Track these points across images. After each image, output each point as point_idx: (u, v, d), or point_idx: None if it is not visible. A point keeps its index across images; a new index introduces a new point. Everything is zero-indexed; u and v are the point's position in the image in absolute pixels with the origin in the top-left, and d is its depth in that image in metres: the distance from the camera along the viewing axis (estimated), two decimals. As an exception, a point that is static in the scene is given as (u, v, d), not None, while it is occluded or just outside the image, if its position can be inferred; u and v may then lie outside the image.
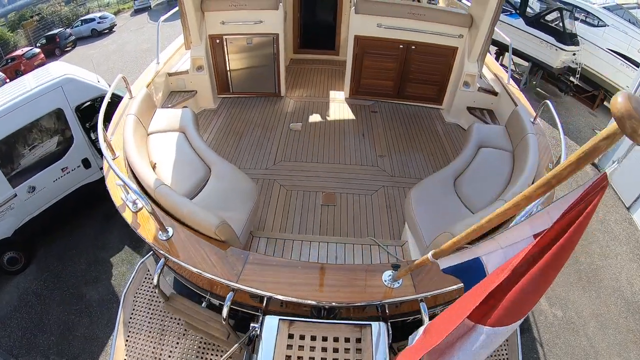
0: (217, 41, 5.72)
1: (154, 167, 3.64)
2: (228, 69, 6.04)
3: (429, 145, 5.66)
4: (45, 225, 7.41)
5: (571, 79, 14.00)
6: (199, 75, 5.74)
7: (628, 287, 8.27)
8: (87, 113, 7.16)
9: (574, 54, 13.34)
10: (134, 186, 2.95)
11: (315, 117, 6.01)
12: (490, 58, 6.50)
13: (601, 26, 13.49)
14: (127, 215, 3.16)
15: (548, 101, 4.27)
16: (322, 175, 4.83)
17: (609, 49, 13.18)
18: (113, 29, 27.33)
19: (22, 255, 7.21)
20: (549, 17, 13.63)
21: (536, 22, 13.69)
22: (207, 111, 6.01)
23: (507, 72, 5.98)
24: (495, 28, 5.37)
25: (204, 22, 5.56)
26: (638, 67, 12.00)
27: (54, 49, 24.45)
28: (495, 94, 5.87)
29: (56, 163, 6.99)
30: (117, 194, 3.29)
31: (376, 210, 4.42)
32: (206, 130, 5.55)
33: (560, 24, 13.04)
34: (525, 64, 14.57)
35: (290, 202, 4.42)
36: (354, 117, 6.09)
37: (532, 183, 3.73)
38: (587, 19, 14.02)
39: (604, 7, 13.69)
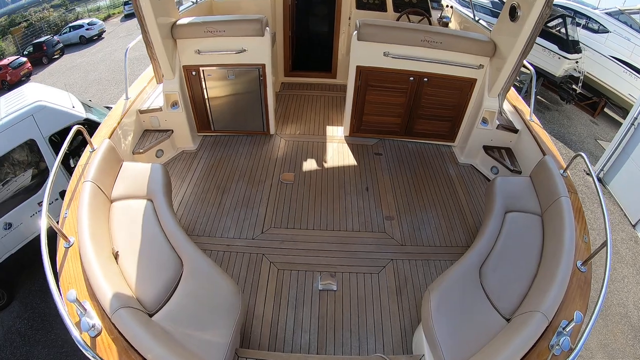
0: (193, 73, 4.96)
1: (116, 257, 3.10)
2: (208, 104, 5.27)
3: (441, 194, 4.93)
4: (25, 262, 6.99)
5: (574, 87, 13.63)
6: (174, 113, 4.99)
7: (635, 313, 7.92)
8: (64, 139, 6.69)
9: (577, 62, 12.98)
10: (89, 306, 2.46)
11: (310, 164, 5.19)
12: (511, 89, 5.58)
13: (603, 32, 13.13)
14: (85, 338, 2.44)
15: (583, 154, 3.65)
16: (319, 248, 4.09)
17: (611, 56, 12.83)
18: (102, 36, 26.84)
19: (4, 292, 6.85)
20: (550, 24, 13.24)
21: (538, 29, 13.31)
22: (186, 154, 5.22)
23: (529, 106, 5.27)
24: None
25: (177, 52, 4.83)
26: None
27: (41, 57, 23.94)
28: (515, 131, 5.15)
29: (32, 197, 6.55)
30: (72, 309, 2.54)
31: (384, 295, 3.68)
32: (184, 181, 4.80)
33: (563, 31, 12.67)
34: (527, 71, 14.20)
35: (283, 287, 3.66)
36: (356, 163, 5.28)
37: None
38: (589, 25, 13.66)
39: (606, 13, 13.33)
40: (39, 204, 6.61)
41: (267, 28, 4.87)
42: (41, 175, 6.63)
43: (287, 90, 6.93)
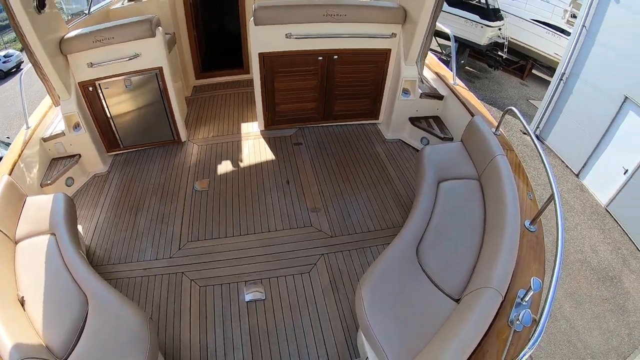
0: (90, 89, 4.56)
1: (22, 304, 2.68)
2: (112, 120, 4.86)
3: (370, 175, 4.70)
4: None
5: (499, 53, 14.15)
6: (78, 136, 4.59)
7: (593, 256, 8.29)
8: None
9: (500, 29, 13.47)
10: None
11: (225, 166, 4.86)
12: (430, 55, 5.47)
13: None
14: None
15: (513, 108, 3.56)
16: (241, 255, 3.78)
17: (533, 20, 13.42)
18: (20, 67, 24.75)
19: None
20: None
21: (458, 1, 13.67)
22: (98, 177, 4.80)
23: (451, 70, 5.15)
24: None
25: (70, 69, 4.42)
26: (563, 33, 12.28)
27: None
28: (440, 97, 5.03)
29: None
30: None
31: (319, 295, 3.37)
32: (97, 207, 4.39)
33: (483, 1, 13.08)
34: (449, 43, 14.61)
35: (207, 306, 3.35)
36: (274, 157, 4.99)
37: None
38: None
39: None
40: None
41: (159, 28, 4.51)
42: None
43: (200, 93, 6.48)
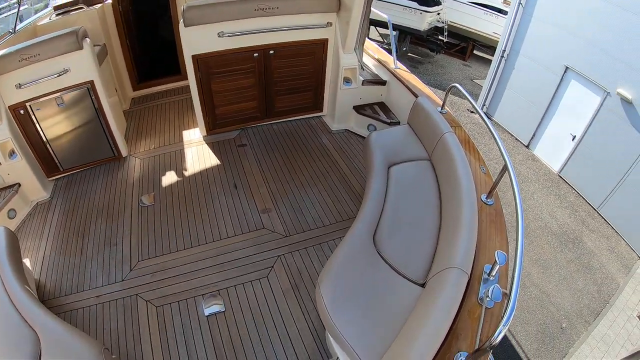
0: (22, 112, 4.27)
1: None
2: (48, 143, 4.57)
3: (319, 168, 4.65)
4: None
5: (440, 37, 14.47)
6: (14, 163, 4.30)
7: (553, 221, 8.57)
8: None
9: (438, 14, 13.76)
10: None
11: (170, 177, 4.68)
12: (368, 42, 5.44)
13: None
14: None
15: (456, 84, 3.60)
16: (195, 268, 3.62)
17: (470, 2, 13.82)
18: None
19: None
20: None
21: (394, -11, 13.83)
22: (40, 205, 4.51)
23: (391, 54, 5.17)
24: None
25: None
26: (500, 12, 12.72)
27: None
28: (383, 83, 5.05)
29: None
30: None
31: (280, 299, 3.26)
32: (42, 237, 4.13)
33: (420, -13, 13.33)
34: (387, 31, 14.79)
35: (167, 326, 3.16)
36: (219, 162, 4.84)
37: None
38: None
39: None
40: None
41: (87, 39, 4.25)
42: None
43: (138, 104, 6.19)
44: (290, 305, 3.20)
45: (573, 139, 9.12)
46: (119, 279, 3.54)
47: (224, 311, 3.19)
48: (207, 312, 3.19)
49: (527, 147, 10.70)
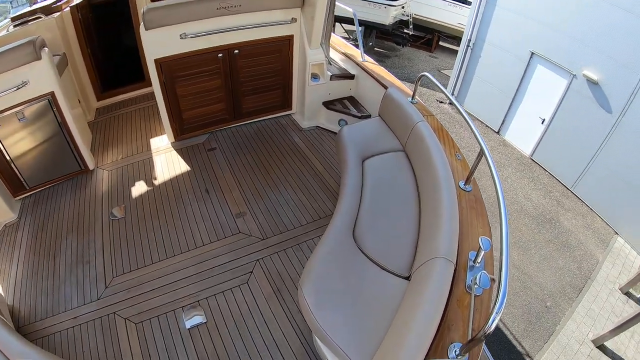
0: None
1: None
2: (11, 161, 4.35)
3: (292, 167, 4.62)
4: None
5: (405, 30, 14.58)
6: None
7: (528, 203, 8.73)
8: None
9: (403, 7, 13.85)
10: None
11: (139, 187, 4.55)
12: (335, 37, 5.44)
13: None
14: None
15: (426, 73, 3.57)
16: (172, 279, 3.51)
17: (434, -6, 14.04)
18: None
19: None
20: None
21: (360, -15, 13.83)
22: (8, 227, 4.29)
23: (358, 48, 5.18)
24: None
25: None
26: (464, 3, 12.91)
27: None
28: (351, 77, 5.05)
29: None
30: None
31: (263, 304, 3.18)
32: (12, 262, 3.93)
33: (382, -19, 13.36)
34: (353, 27, 14.79)
35: (148, 343, 3.05)
36: (189, 167, 4.74)
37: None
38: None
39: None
40: None
41: (45, 49, 4.05)
42: None
43: (104, 114, 5.99)
44: (273, 310, 3.11)
45: (542, 122, 9.32)
46: (94, 298, 3.39)
47: (205, 322, 3.09)
48: (188, 324, 3.07)
49: (497, 133, 10.88)
